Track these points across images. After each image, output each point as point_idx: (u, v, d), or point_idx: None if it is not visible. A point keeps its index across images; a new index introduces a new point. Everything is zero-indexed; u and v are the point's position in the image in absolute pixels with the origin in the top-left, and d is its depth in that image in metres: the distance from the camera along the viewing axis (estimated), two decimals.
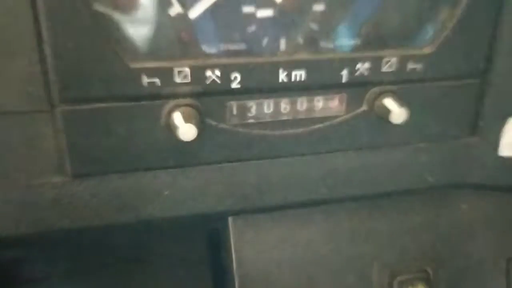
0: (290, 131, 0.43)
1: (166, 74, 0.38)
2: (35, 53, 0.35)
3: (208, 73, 0.38)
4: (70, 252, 0.61)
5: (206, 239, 0.60)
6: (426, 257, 0.53)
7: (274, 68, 0.40)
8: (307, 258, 0.50)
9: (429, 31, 0.43)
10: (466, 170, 0.50)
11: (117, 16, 0.36)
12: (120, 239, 0.59)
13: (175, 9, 0.38)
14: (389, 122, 0.42)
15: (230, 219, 0.48)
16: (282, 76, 0.40)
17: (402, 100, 0.43)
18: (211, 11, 0.38)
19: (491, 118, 0.48)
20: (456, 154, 0.49)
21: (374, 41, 0.43)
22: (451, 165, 0.50)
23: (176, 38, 0.39)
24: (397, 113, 0.42)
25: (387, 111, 0.42)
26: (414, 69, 0.43)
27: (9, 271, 0.57)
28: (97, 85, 0.37)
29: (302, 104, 0.42)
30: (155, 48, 0.38)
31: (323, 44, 0.42)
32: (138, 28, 0.38)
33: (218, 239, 0.53)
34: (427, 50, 0.43)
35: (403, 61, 0.42)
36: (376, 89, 0.43)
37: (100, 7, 0.35)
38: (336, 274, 0.51)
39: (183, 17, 0.38)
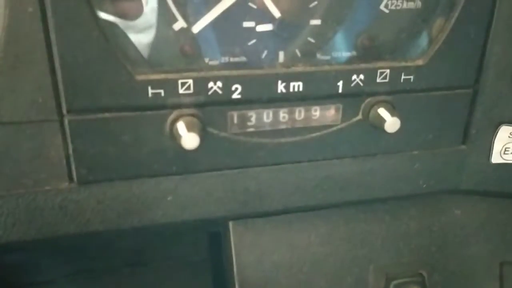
0: (288, 139, 0.44)
1: (170, 86, 0.39)
2: (45, 65, 0.37)
3: (210, 84, 0.40)
4: (74, 256, 0.62)
5: (208, 242, 0.61)
6: (421, 261, 0.55)
7: (273, 80, 0.42)
8: (305, 262, 0.52)
9: (421, 44, 0.45)
10: (458, 176, 0.52)
11: (122, 29, 0.39)
12: (123, 243, 0.61)
13: (179, 24, 0.40)
14: (383, 131, 0.44)
15: (230, 223, 0.50)
16: (281, 87, 0.42)
17: (395, 109, 0.45)
18: (213, 25, 0.40)
19: (482, 126, 0.50)
20: (449, 161, 0.51)
21: (368, 53, 0.45)
22: (444, 172, 0.51)
23: (180, 51, 0.41)
24: (391, 122, 0.44)
25: (382, 120, 0.44)
26: (407, 80, 0.45)
27: (14, 274, 0.59)
28: (104, 96, 0.38)
29: (299, 113, 0.44)
30: (160, 61, 0.40)
31: (320, 56, 0.44)
32: (143, 41, 0.40)
33: (220, 242, 0.55)
34: (419, 62, 0.45)
35: (396, 72, 0.44)
36: (370, 99, 0.45)
37: (106, 22, 0.37)
38: (334, 278, 0.53)
39: (186, 31, 0.40)
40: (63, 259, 0.60)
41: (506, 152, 0.50)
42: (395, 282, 0.52)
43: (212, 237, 0.61)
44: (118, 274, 0.63)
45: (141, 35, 0.39)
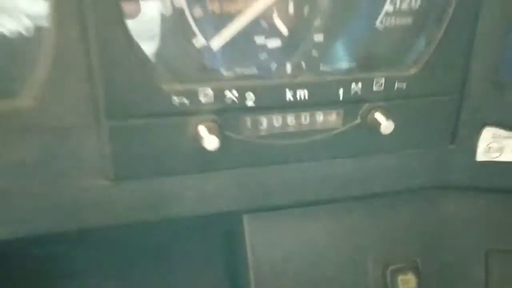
0: (296, 141, 0.50)
1: (193, 95, 0.45)
2: (87, 79, 0.43)
3: (227, 93, 0.46)
4: (99, 250, 0.68)
5: (223, 240, 0.67)
6: (415, 249, 0.60)
7: (281, 89, 0.48)
8: (311, 251, 0.58)
9: (412, 55, 0.51)
10: (448, 173, 0.57)
11: (151, 46, 0.44)
12: (145, 238, 0.66)
13: (200, 41, 0.46)
14: (380, 133, 0.50)
15: (245, 216, 0.55)
16: (289, 95, 0.48)
17: (390, 114, 0.50)
18: (229, 41, 0.46)
19: (468, 128, 0.55)
20: (439, 159, 0.56)
21: (365, 64, 0.51)
22: (435, 169, 0.57)
23: (200, 64, 0.47)
24: (386, 125, 0.49)
25: (378, 124, 0.50)
26: (400, 88, 0.51)
27: (48, 265, 0.65)
28: (136, 104, 0.44)
29: (305, 118, 0.50)
30: (183, 73, 0.46)
31: (323, 67, 0.50)
32: (169, 56, 0.46)
33: (234, 240, 0.60)
34: (411, 72, 0.51)
35: (390, 81, 0.50)
36: (368, 105, 0.50)
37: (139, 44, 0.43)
38: (338, 266, 0.59)
39: (206, 47, 0.46)
40: (90, 253, 0.66)
41: (489, 151, 0.56)
42: (391, 267, 0.58)
43: (226, 236, 0.66)
44: (139, 267, 0.69)
45: (166, 51, 0.45)
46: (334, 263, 0.58)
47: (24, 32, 0.42)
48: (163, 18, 0.44)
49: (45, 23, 0.41)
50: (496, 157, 0.56)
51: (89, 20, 0.40)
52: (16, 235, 0.48)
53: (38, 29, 0.41)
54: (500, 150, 0.56)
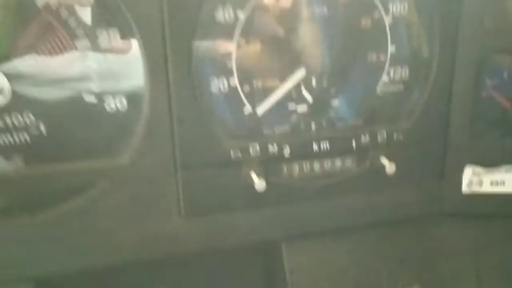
0: (321, 182, 0.64)
1: (245, 149, 0.60)
2: (170, 140, 0.57)
3: (270, 147, 0.61)
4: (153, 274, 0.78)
5: (261, 265, 0.79)
6: (418, 267, 0.73)
7: (309, 142, 0.63)
8: (338, 271, 0.71)
9: (406, 112, 0.66)
10: (440, 203, 0.71)
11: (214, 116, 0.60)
12: (190, 266, 0.78)
13: (248, 109, 0.61)
14: (385, 173, 0.65)
15: (283, 244, 0.69)
16: (315, 147, 0.63)
17: (392, 158, 0.65)
18: (270, 108, 0.61)
19: (453, 167, 0.70)
20: (432, 192, 0.70)
21: (371, 120, 0.66)
22: (429, 200, 0.71)
23: (249, 126, 0.62)
24: (389, 167, 0.64)
25: (383, 167, 0.64)
26: (398, 137, 0.65)
27: None
28: (203, 157, 0.59)
29: (327, 164, 0.64)
30: (237, 133, 0.61)
31: (339, 124, 0.65)
32: (227, 121, 0.61)
33: (271, 263, 0.73)
34: (405, 125, 0.66)
35: (390, 133, 0.65)
36: (375, 152, 0.65)
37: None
38: (358, 283, 0.71)
39: (253, 113, 0.61)
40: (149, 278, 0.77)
41: (471, 184, 0.70)
42: (401, 283, 0.71)
43: (264, 260, 0.78)
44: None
45: (224, 117, 0.61)
46: (356, 282, 0.71)
47: (121, 109, 0.57)
48: (222, 94, 0.59)
49: (140, 102, 0.56)
50: (477, 189, 0.71)
51: (173, 100, 0.56)
52: (106, 262, 0.61)
53: (135, 106, 0.57)
54: (480, 183, 0.70)
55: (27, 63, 0.53)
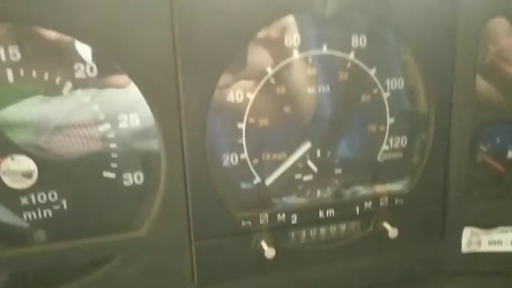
0: (327, 246, 0.67)
1: (255, 219, 0.63)
2: (185, 214, 0.60)
3: (278, 216, 0.64)
4: None
5: None
6: None
7: (315, 209, 0.66)
8: None
9: (407, 177, 0.70)
10: (441, 262, 0.74)
11: (226, 188, 0.63)
12: None
13: (257, 180, 0.65)
14: (388, 237, 0.68)
15: None
16: (321, 214, 0.66)
17: (394, 222, 0.68)
18: (277, 179, 0.65)
19: (452, 228, 0.73)
20: (433, 252, 0.74)
21: (373, 185, 0.70)
22: (431, 258, 0.74)
23: (258, 196, 0.65)
24: (392, 231, 0.67)
25: (386, 230, 0.68)
26: (399, 202, 0.69)
27: None
28: (216, 228, 0.62)
29: (333, 229, 0.67)
30: (247, 203, 0.64)
31: (343, 191, 0.69)
32: (238, 193, 0.64)
33: None
34: (405, 190, 0.70)
35: (391, 198, 0.68)
36: (377, 217, 0.69)
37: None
38: None
39: (261, 184, 0.65)
40: None
41: (471, 244, 0.73)
42: None
43: None
44: None
45: (234, 190, 0.64)
46: None
47: (138, 184, 0.61)
48: (233, 167, 0.63)
49: (157, 177, 0.60)
50: (477, 249, 0.74)
51: (187, 175, 0.59)
52: None
53: (152, 182, 0.60)
54: (479, 243, 0.73)
55: (55, 145, 0.57)
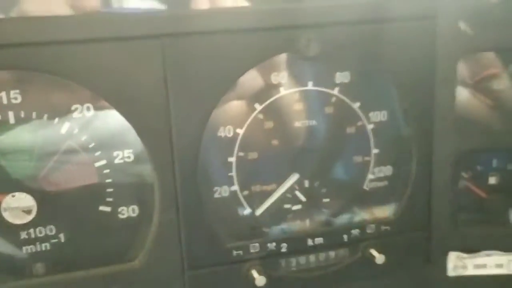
0: (316, 273, 0.69)
1: (245, 248, 0.66)
2: (177, 245, 0.63)
3: (269, 245, 0.67)
4: None
5: None
6: None
7: (304, 238, 0.68)
8: None
9: (391, 206, 0.73)
10: (429, 286, 0.77)
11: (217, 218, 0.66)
12: None
13: (248, 211, 0.68)
14: (375, 263, 0.70)
15: None
16: (310, 242, 0.68)
17: (381, 248, 0.71)
18: (267, 209, 0.68)
19: (438, 253, 0.75)
20: (420, 276, 0.76)
21: (360, 215, 0.72)
22: (419, 283, 0.76)
23: (249, 226, 0.68)
24: (379, 257, 0.69)
25: (373, 257, 0.70)
26: (386, 229, 0.71)
27: None
28: (208, 257, 0.64)
29: (322, 256, 0.70)
30: (238, 233, 0.67)
31: (331, 220, 0.71)
32: (229, 223, 0.67)
33: None
34: (392, 217, 0.72)
35: (378, 225, 0.71)
36: (365, 243, 0.71)
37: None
38: None
39: (252, 215, 0.68)
40: None
41: (456, 268, 0.76)
42: None
43: None
44: None
45: (226, 221, 0.67)
46: None
47: (133, 217, 0.64)
48: (224, 199, 0.66)
49: (151, 211, 0.62)
50: (463, 273, 0.76)
51: (180, 208, 0.62)
52: None
53: (146, 215, 0.63)
54: (464, 267, 0.76)
55: (53, 181, 0.60)
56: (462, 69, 0.70)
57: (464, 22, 0.68)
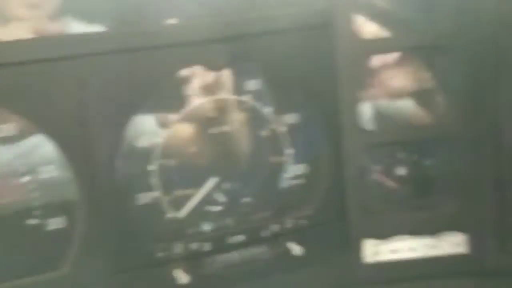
0: (240, 269, 0.73)
1: (169, 250, 0.69)
2: (103, 246, 0.66)
3: (192, 245, 0.71)
4: None
5: None
6: None
7: (226, 236, 0.73)
8: None
9: (309, 201, 0.78)
10: (349, 274, 0.82)
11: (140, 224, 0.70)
12: None
13: (170, 214, 0.72)
14: (295, 255, 0.76)
15: None
16: (231, 240, 0.73)
17: (300, 241, 0.76)
18: (190, 211, 0.72)
19: (355, 242, 0.81)
20: (341, 265, 0.80)
21: (279, 211, 0.77)
22: (339, 272, 0.81)
23: (173, 227, 0.72)
24: (297, 249, 0.75)
25: (292, 250, 0.75)
26: (304, 223, 0.77)
27: None
28: (134, 260, 0.68)
29: (244, 253, 0.73)
30: (163, 236, 0.71)
31: (252, 218, 0.76)
32: (152, 226, 0.71)
33: None
34: (309, 211, 0.77)
35: (296, 219, 0.76)
36: (284, 237, 0.76)
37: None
38: None
39: (174, 218, 0.72)
40: None
41: (371, 255, 0.82)
42: None
43: None
44: None
45: (153, 224, 0.71)
46: None
47: (60, 227, 0.67)
48: (147, 205, 0.70)
49: (77, 220, 0.66)
50: (378, 259, 0.82)
51: (105, 215, 0.66)
52: None
53: (72, 224, 0.66)
54: (380, 253, 0.82)
55: None
56: (363, 70, 0.76)
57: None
